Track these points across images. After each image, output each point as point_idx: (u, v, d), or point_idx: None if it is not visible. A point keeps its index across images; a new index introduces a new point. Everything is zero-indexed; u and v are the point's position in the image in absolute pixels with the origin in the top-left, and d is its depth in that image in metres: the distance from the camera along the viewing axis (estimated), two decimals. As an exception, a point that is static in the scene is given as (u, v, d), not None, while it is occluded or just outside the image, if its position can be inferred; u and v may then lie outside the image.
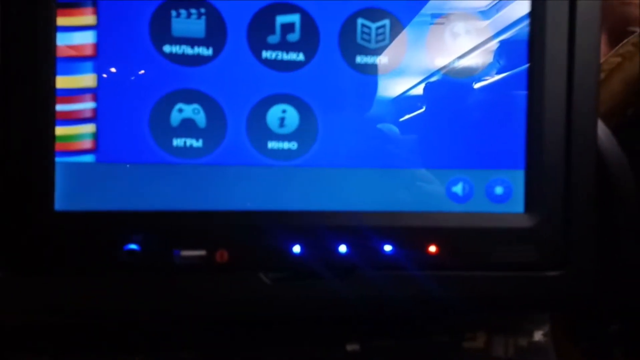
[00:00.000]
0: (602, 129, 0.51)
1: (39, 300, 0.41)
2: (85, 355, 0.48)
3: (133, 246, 0.42)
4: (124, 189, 0.43)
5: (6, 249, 0.41)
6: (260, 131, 0.44)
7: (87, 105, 0.42)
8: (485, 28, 0.47)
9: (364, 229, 0.46)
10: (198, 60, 0.43)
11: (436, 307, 0.49)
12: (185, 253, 0.43)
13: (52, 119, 0.41)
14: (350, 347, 0.55)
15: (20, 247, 0.41)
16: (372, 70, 0.46)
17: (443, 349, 0.58)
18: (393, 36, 0.46)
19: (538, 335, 0.61)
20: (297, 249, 0.45)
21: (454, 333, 0.58)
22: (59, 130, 0.42)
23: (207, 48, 0.43)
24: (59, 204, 0.42)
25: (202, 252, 0.44)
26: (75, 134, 0.42)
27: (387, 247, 0.47)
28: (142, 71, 0.42)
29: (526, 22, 0.47)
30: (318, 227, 0.45)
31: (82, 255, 0.42)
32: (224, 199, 0.44)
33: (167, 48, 0.43)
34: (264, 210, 0.45)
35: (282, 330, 0.49)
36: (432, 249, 0.47)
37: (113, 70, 0.42)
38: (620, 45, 0.58)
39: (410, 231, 0.46)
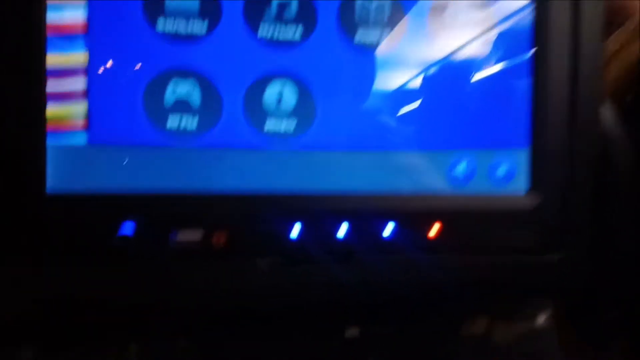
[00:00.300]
0: (608, 111, 0.50)
1: (26, 288, 0.40)
2: (75, 345, 0.47)
3: (127, 231, 0.41)
4: (118, 171, 0.41)
5: (-5, 232, 0.40)
6: (256, 110, 0.43)
7: (78, 83, 0.40)
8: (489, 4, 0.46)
9: (362, 212, 0.45)
10: (192, 37, 0.42)
11: (436, 291, 0.48)
12: (182, 237, 0.42)
13: (43, 97, 0.40)
14: (348, 333, 0.54)
15: (9, 232, 0.40)
16: (371, 49, 0.45)
17: (441, 335, 0.57)
18: (393, 13, 0.45)
19: (540, 321, 0.61)
20: (295, 233, 0.44)
21: (453, 319, 0.57)
22: (50, 109, 0.40)
23: (202, 24, 0.42)
24: (51, 187, 0.40)
25: (198, 236, 0.43)
26: (66, 112, 0.41)
27: (387, 231, 0.46)
28: (135, 50, 0.41)
29: (531, 2, 0.46)
30: (316, 210, 0.44)
31: (74, 241, 0.40)
32: (221, 182, 0.43)
33: (160, 24, 0.41)
34: (261, 193, 0.43)
35: (279, 316, 0.48)
36: (433, 232, 0.46)
37: (104, 47, 0.41)
38: (617, 32, 0.57)
39: (410, 214, 0.45)
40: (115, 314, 0.43)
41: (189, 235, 0.42)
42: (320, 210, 0.44)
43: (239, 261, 0.43)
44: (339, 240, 0.45)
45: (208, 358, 0.50)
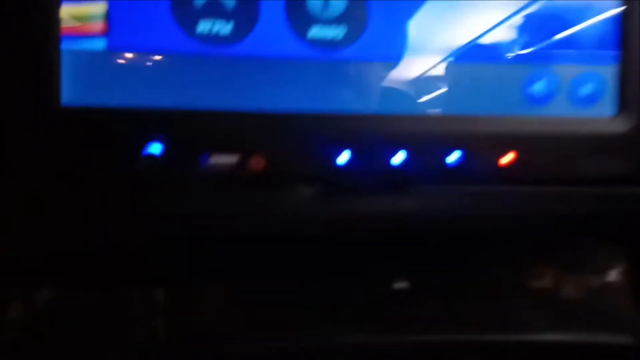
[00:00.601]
0: None
1: (38, 212, 0.35)
2: (96, 287, 0.42)
3: (153, 150, 0.36)
4: (142, 81, 0.36)
5: (4, 149, 0.35)
6: (299, 14, 0.37)
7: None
8: None
9: (423, 135, 0.39)
10: None
11: (504, 229, 0.41)
12: (215, 159, 0.37)
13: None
14: (397, 285, 0.48)
15: (20, 147, 0.35)
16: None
17: (505, 287, 0.50)
18: None
19: (612, 276, 0.54)
20: (343, 158, 0.38)
21: (519, 270, 0.51)
22: (65, 9, 0.35)
23: None
24: (66, 98, 0.35)
25: (233, 159, 0.37)
26: (83, 13, 0.35)
27: (451, 157, 0.39)
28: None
29: None
30: (368, 133, 0.38)
31: (92, 160, 0.35)
32: (259, 97, 0.37)
33: None
34: (305, 111, 0.38)
35: (320, 254, 0.42)
36: (505, 159, 0.39)
37: None
38: None
39: (479, 138, 0.39)
40: (136, 248, 0.38)
41: (223, 159, 0.37)
42: (373, 133, 0.38)
43: (279, 189, 0.38)
44: (394, 168, 0.39)
45: (238, 303, 0.45)
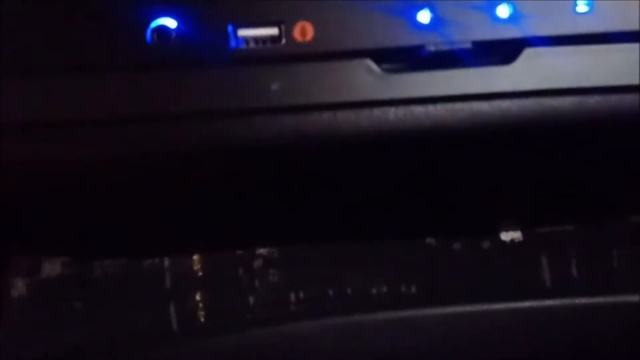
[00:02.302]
0: None
1: (33, 110, 0.28)
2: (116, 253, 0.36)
3: (164, 23, 0.28)
4: None
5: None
6: None
7: None
8: None
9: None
10: None
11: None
12: (247, 32, 0.28)
13: None
14: (506, 236, 0.37)
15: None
16: None
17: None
18: None
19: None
20: (424, 16, 0.28)
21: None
22: None
23: None
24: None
25: (272, 29, 0.28)
26: None
27: (583, 2, 0.28)
28: None
29: None
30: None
31: (91, 42, 0.27)
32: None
33: None
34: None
35: (394, 170, 0.32)
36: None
37: None
38: None
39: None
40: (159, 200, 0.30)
41: (259, 30, 0.28)
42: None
43: (333, 65, 0.28)
44: (498, 23, 0.28)
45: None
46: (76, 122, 0.27)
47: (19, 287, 0.36)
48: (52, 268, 0.36)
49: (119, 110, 0.27)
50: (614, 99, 0.29)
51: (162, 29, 0.27)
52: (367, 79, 0.28)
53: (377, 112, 0.28)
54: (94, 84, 0.27)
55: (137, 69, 0.27)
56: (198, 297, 0.37)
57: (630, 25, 0.29)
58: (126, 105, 0.27)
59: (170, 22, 0.27)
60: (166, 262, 0.37)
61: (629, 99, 0.29)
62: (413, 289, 0.37)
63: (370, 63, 0.28)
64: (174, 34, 0.27)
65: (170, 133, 0.27)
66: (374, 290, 0.37)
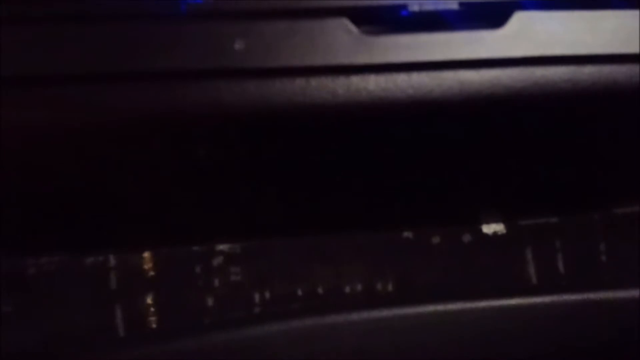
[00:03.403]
0: None
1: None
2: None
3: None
4: None
5: None
6: None
7: None
8: None
9: None
10: None
11: None
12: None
13: None
14: (488, 229, 0.35)
15: None
16: None
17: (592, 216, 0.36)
18: None
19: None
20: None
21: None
22: None
23: None
24: None
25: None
26: None
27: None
28: None
29: None
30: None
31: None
32: None
33: None
34: None
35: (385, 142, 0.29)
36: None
37: None
38: None
39: None
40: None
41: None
42: None
43: (306, 23, 0.25)
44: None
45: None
46: (8, 80, 0.23)
47: None
48: (-25, 266, 0.31)
49: (59, 68, 0.23)
50: (610, 69, 0.27)
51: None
52: (344, 41, 0.25)
53: (355, 79, 0.25)
54: (38, 39, 0.23)
55: (78, 22, 0.23)
56: (149, 299, 0.33)
57: (624, -8, 0.27)
58: (67, 63, 0.23)
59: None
60: (112, 259, 0.33)
61: (625, 69, 0.27)
62: (390, 287, 0.34)
63: (347, 23, 0.25)
64: (123, -15, 0.24)
65: (116, 95, 0.23)
66: (347, 289, 0.34)
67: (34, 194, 0.27)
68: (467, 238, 0.35)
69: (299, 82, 0.25)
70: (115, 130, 0.24)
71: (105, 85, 0.23)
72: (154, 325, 0.32)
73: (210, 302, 0.33)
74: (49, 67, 0.23)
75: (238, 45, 0.24)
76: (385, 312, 0.32)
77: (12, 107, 0.23)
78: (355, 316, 0.32)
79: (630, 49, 0.26)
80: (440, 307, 0.32)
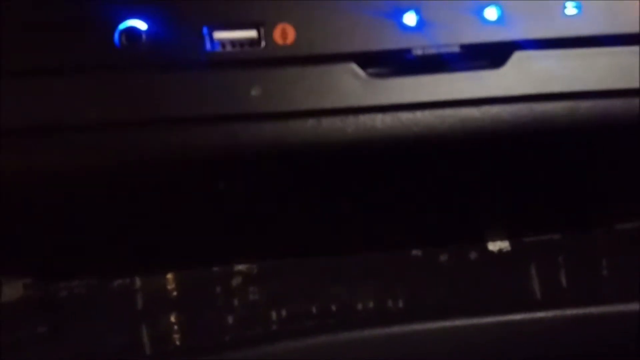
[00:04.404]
0: None
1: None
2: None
3: (133, 25, 0.26)
4: None
5: None
6: None
7: None
8: None
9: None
10: None
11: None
12: (223, 34, 0.26)
13: None
14: (493, 246, 0.36)
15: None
16: None
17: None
18: None
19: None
20: (411, 18, 0.26)
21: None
22: None
23: None
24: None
25: (251, 32, 0.26)
26: None
27: (572, 5, 0.27)
28: None
29: None
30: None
31: (57, 44, 0.25)
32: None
33: None
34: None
35: (386, 173, 0.30)
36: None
37: None
38: None
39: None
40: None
41: (236, 32, 0.26)
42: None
43: (316, 69, 0.27)
44: (487, 25, 0.27)
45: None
46: (39, 130, 0.25)
47: (-23, 313, 0.34)
48: (12, 291, 0.34)
49: (86, 117, 0.25)
50: (605, 103, 0.28)
51: (131, 30, 0.25)
52: (352, 84, 0.27)
53: (363, 118, 0.27)
54: (59, 89, 0.25)
55: (104, 73, 0.25)
56: (172, 318, 0.35)
57: (619, 28, 0.28)
58: (93, 112, 0.25)
59: (140, 24, 0.26)
60: (137, 281, 0.35)
61: (620, 102, 0.28)
62: (400, 304, 0.36)
63: (355, 67, 0.27)
64: (144, 36, 0.25)
65: (141, 141, 0.25)
66: (359, 306, 0.36)
67: (66, 228, 0.29)
68: (473, 255, 0.37)
69: (311, 123, 0.27)
70: (146, 171, 0.26)
71: (138, 130, 0.25)
72: (177, 343, 0.35)
73: (230, 320, 0.35)
74: (88, 115, 0.25)
75: (254, 91, 0.26)
76: (396, 328, 0.34)
77: (54, 152, 0.25)
78: (367, 332, 0.34)
79: (625, 84, 0.27)
80: (448, 323, 0.34)
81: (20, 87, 0.25)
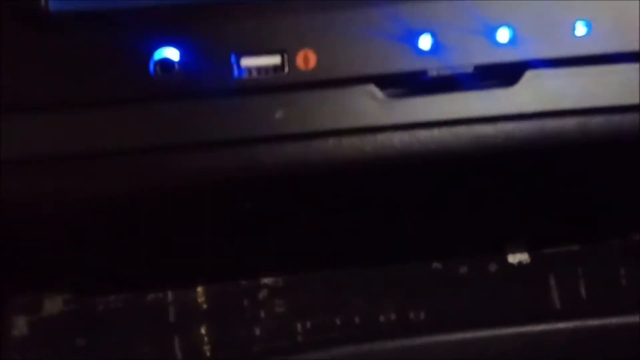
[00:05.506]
0: None
1: (34, 145, 0.28)
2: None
3: (167, 55, 0.28)
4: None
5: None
6: None
7: None
8: None
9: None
10: None
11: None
12: (249, 60, 0.28)
13: None
14: (513, 258, 0.37)
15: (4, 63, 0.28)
16: None
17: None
18: None
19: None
20: (426, 41, 0.28)
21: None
22: None
23: None
24: (55, 3, 0.28)
25: (275, 58, 0.28)
26: None
27: (581, 25, 0.28)
28: None
29: None
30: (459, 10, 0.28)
31: (93, 76, 0.28)
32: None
33: None
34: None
35: (402, 190, 0.32)
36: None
37: None
38: None
39: None
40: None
41: (261, 59, 0.28)
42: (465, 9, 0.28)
43: (337, 91, 0.28)
44: (500, 49, 0.28)
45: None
46: (79, 157, 0.27)
47: (19, 325, 0.36)
48: (53, 305, 0.36)
49: (123, 144, 0.27)
50: (615, 118, 0.29)
51: (165, 61, 0.27)
52: (371, 105, 0.28)
53: (381, 137, 0.28)
54: (97, 119, 0.27)
55: (141, 102, 0.27)
56: (203, 330, 0.37)
57: (628, 46, 0.29)
58: (130, 139, 0.27)
59: (173, 53, 0.28)
60: (170, 295, 0.37)
61: (630, 118, 0.29)
62: (422, 316, 0.37)
63: (373, 89, 0.28)
64: (177, 66, 0.27)
65: (175, 165, 0.27)
66: (382, 318, 0.37)
67: (103, 248, 0.31)
68: (493, 267, 0.38)
69: (332, 142, 0.28)
70: (180, 192, 0.28)
71: (172, 155, 0.27)
72: (208, 354, 0.36)
73: (257, 331, 0.37)
74: (128, 142, 0.27)
75: (278, 115, 0.27)
76: (417, 340, 0.35)
77: (96, 177, 0.27)
78: (390, 344, 0.35)
79: (632, 99, 0.28)
80: (469, 334, 0.35)
81: (55, 117, 0.27)
